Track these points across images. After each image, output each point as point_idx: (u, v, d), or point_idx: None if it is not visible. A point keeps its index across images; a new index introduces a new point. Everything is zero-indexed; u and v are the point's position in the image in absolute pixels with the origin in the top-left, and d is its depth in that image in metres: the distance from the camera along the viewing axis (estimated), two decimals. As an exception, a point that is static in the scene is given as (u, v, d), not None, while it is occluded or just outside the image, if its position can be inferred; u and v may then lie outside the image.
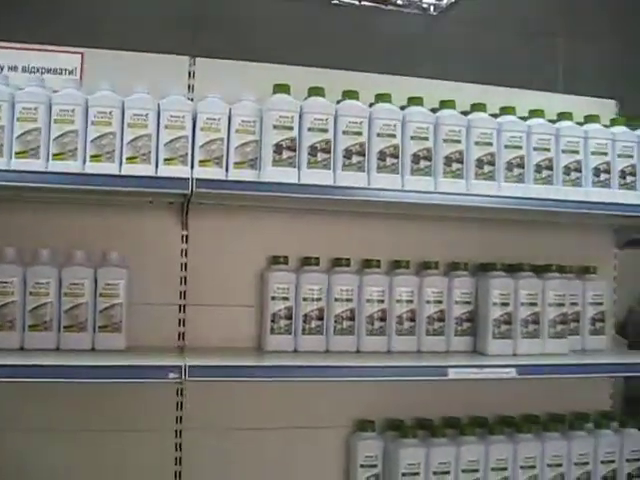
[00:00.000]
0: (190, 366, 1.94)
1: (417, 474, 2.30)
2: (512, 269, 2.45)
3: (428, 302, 2.37)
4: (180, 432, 2.37)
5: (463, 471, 2.34)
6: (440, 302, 2.38)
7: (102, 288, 2.18)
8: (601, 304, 2.59)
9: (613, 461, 2.52)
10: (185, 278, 2.38)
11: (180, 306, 2.38)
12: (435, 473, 2.31)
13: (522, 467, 2.40)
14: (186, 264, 2.38)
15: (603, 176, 2.38)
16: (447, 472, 2.32)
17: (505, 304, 2.34)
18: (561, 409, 2.62)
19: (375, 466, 2.37)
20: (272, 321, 2.27)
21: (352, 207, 2.36)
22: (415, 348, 2.35)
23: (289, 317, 2.27)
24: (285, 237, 2.42)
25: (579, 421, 2.56)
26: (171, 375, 1.94)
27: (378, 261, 2.39)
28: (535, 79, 2.93)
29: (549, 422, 2.52)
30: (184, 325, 2.37)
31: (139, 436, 2.34)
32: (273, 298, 2.28)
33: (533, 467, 2.41)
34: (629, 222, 2.60)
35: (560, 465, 2.45)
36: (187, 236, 2.38)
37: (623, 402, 3.26)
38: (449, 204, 2.16)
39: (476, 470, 2.35)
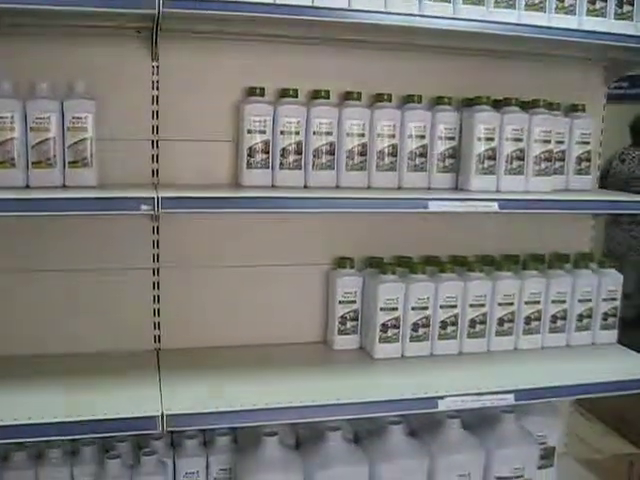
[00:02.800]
0: (163, 197, 1.87)
1: (395, 309, 2.30)
2: (498, 104, 2.35)
3: (410, 137, 2.28)
4: (157, 270, 2.34)
5: (441, 307, 2.35)
6: (423, 137, 2.29)
7: (69, 122, 2.07)
8: (588, 143, 2.51)
9: (590, 300, 2.55)
10: (157, 112, 2.26)
11: (152, 142, 2.27)
12: (414, 308, 2.32)
13: (500, 304, 2.42)
14: (157, 97, 2.26)
15: (599, 4, 2.24)
16: (425, 307, 2.33)
17: (490, 139, 2.27)
18: (541, 250, 2.62)
19: (354, 302, 2.37)
20: (249, 155, 2.19)
21: (331, 32, 2.21)
22: (396, 184, 2.29)
23: (266, 151, 2.18)
24: (263, 68, 2.28)
25: (558, 261, 2.56)
26: (144, 207, 1.87)
27: (359, 93, 2.27)
28: None
29: (528, 261, 2.52)
30: (157, 161, 2.28)
31: (116, 275, 2.32)
32: (249, 131, 2.18)
33: (511, 304, 2.43)
34: (622, 56, 2.49)
35: (538, 302, 2.47)
36: (158, 67, 2.24)
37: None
38: (434, 28, 2.02)
39: (454, 306, 2.36)
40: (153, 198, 1.86)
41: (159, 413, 1.85)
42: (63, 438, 2.04)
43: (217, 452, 2.26)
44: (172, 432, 2.31)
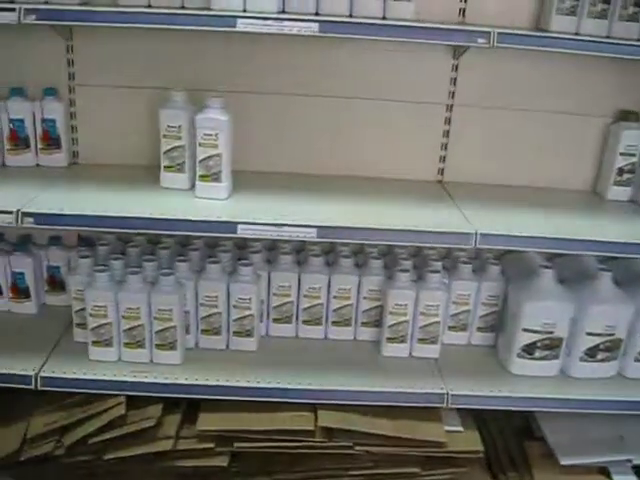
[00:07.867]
0: (499, 33, 1.96)
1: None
2: None
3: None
4: (451, 107, 2.50)
5: None
6: None
7: None
8: None
9: None
10: None
11: (463, -21, 2.37)
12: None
13: None
14: None
15: None
16: None
17: None
18: None
19: (634, 155, 2.44)
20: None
21: None
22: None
23: (576, -3, 2.22)
24: None
25: None
26: (480, 40, 1.97)
27: None
28: None
29: None
30: (465, 1, 2.37)
31: (410, 108, 2.49)
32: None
33: None
34: None
35: None
36: None
37: None
38: None
39: None
40: (490, 32, 1.97)
41: (473, 231, 2.05)
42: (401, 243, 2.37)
43: (488, 279, 2.46)
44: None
